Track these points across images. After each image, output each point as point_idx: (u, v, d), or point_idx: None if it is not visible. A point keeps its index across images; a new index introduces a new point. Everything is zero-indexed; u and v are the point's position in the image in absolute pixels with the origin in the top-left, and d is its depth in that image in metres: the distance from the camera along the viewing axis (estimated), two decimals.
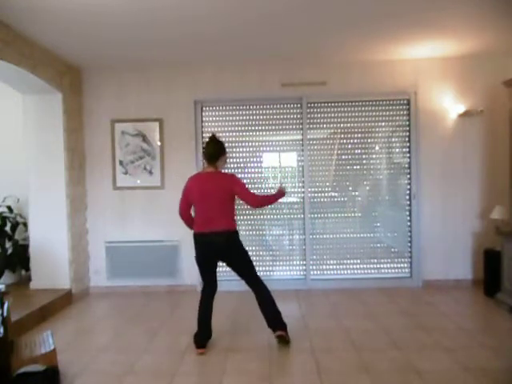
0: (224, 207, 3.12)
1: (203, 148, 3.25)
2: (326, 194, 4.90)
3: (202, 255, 3.16)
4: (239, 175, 4.89)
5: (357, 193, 4.92)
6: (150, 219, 4.84)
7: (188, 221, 3.26)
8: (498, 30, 3.85)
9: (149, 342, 3.40)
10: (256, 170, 4.92)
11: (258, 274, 5.09)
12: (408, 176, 4.79)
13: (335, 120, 4.82)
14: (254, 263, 4.84)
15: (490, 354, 2.98)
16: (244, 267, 3.24)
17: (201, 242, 3.13)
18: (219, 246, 3.10)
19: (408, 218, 4.81)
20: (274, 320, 3.22)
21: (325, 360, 2.94)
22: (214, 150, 3.18)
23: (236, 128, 4.89)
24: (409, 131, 4.76)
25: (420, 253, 4.75)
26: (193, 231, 3.19)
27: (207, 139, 3.25)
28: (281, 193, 3.31)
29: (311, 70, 4.74)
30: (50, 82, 4.20)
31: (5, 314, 2.54)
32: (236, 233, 3.19)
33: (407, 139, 4.78)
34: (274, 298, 3.25)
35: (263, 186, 4.95)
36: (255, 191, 4.91)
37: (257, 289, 3.25)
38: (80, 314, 4.20)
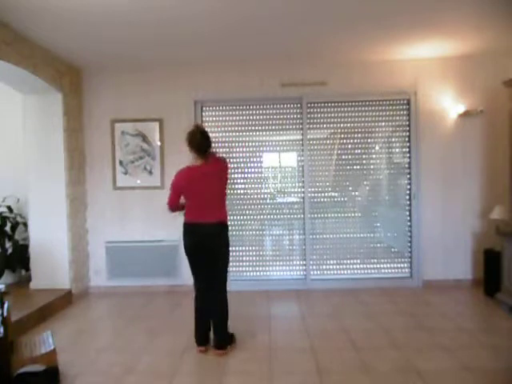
0: (219, 199, 3.09)
1: (189, 139, 2.98)
2: (326, 194, 4.89)
3: (191, 246, 3.06)
4: (239, 175, 4.92)
5: (357, 193, 4.91)
6: (149, 219, 4.84)
7: (177, 209, 3.18)
8: (498, 30, 3.85)
9: (149, 342, 3.40)
10: (256, 169, 4.92)
11: (258, 273, 5.10)
12: (408, 176, 4.79)
13: (335, 120, 4.82)
14: (255, 263, 4.96)
15: (490, 354, 2.98)
16: (221, 265, 3.10)
17: (193, 231, 3.04)
18: (210, 237, 3.01)
19: (408, 218, 4.81)
20: (219, 340, 3.10)
21: (325, 360, 2.94)
22: (205, 141, 3.00)
23: (236, 128, 4.89)
24: (409, 131, 4.76)
25: (420, 253, 4.75)
26: (184, 221, 3.09)
27: (192, 128, 3.05)
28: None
29: (311, 70, 4.74)
30: (50, 82, 4.20)
31: (5, 313, 2.54)
32: (227, 227, 3.14)
33: (407, 139, 4.78)
34: (228, 315, 3.14)
35: (263, 185, 4.96)
36: (254, 191, 4.94)
37: (216, 297, 3.10)
38: (80, 314, 4.20)
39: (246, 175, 4.89)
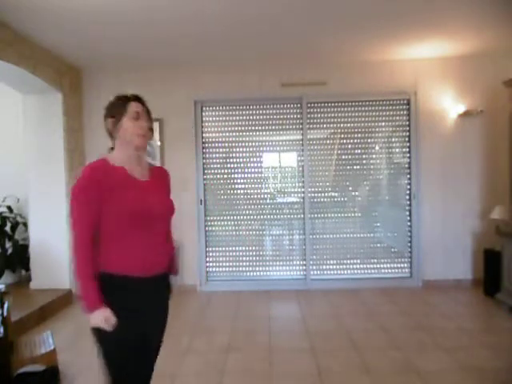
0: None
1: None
2: (326, 194, 4.89)
3: None
4: (239, 175, 4.90)
5: (357, 193, 4.91)
6: None
7: None
8: (498, 30, 3.85)
9: None
10: (256, 169, 4.92)
11: (258, 273, 5.07)
12: (408, 176, 4.79)
13: (335, 120, 4.81)
14: (255, 263, 4.96)
15: (489, 354, 2.98)
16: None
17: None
18: None
19: (408, 218, 4.81)
20: None
21: (325, 360, 2.94)
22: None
23: (236, 128, 4.88)
24: (409, 131, 4.76)
25: (420, 253, 4.75)
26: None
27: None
28: None
29: (311, 70, 4.74)
30: (50, 82, 4.20)
31: (5, 313, 2.54)
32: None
33: (407, 139, 4.78)
34: None
35: (263, 185, 4.95)
36: (254, 191, 4.93)
37: None
38: (80, 314, 4.17)
39: (246, 175, 4.89)
